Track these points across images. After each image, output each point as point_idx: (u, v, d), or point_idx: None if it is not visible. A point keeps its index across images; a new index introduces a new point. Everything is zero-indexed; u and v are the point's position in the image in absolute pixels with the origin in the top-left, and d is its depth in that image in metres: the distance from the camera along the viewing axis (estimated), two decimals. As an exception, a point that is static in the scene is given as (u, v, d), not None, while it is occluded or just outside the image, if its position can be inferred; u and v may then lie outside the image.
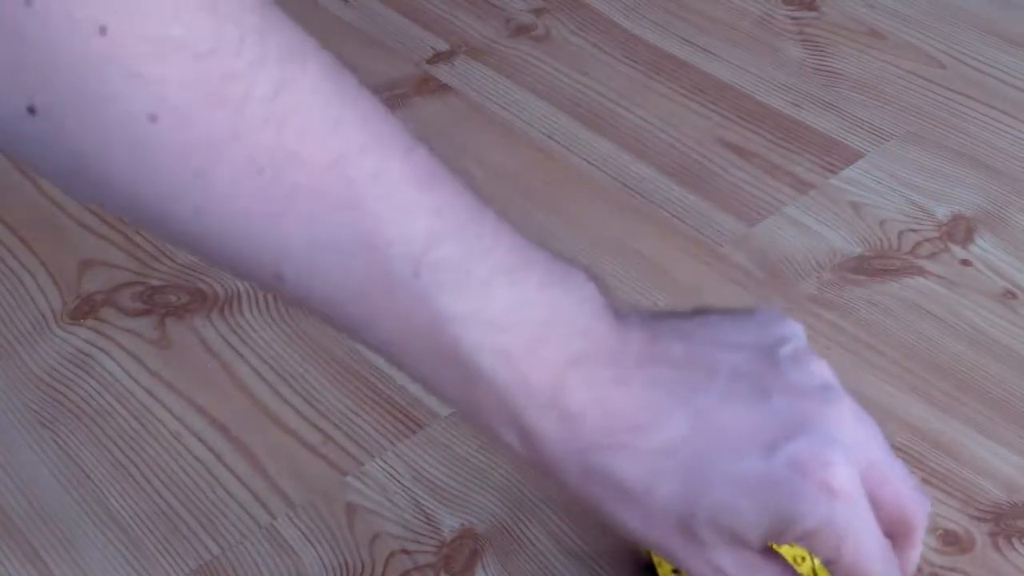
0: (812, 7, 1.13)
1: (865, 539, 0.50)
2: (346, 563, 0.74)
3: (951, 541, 0.73)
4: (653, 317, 0.52)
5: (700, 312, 0.54)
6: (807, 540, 0.49)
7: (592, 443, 0.48)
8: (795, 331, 0.53)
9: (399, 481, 0.78)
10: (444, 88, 1.08)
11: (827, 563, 0.51)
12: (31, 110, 0.44)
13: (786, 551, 0.60)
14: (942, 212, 0.93)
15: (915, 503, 0.53)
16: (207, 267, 0.92)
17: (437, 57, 1.11)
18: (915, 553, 0.53)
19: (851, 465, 0.49)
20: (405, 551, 0.74)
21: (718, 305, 0.86)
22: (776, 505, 0.48)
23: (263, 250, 0.47)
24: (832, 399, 0.50)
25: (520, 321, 0.48)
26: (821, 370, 0.52)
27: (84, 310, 0.90)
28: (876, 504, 0.51)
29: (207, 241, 0.48)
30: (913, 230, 0.92)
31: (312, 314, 0.52)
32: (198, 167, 0.45)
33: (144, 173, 0.45)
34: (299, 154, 0.45)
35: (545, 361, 0.48)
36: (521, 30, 1.14)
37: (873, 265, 0.89)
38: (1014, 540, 0.73)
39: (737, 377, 0.49)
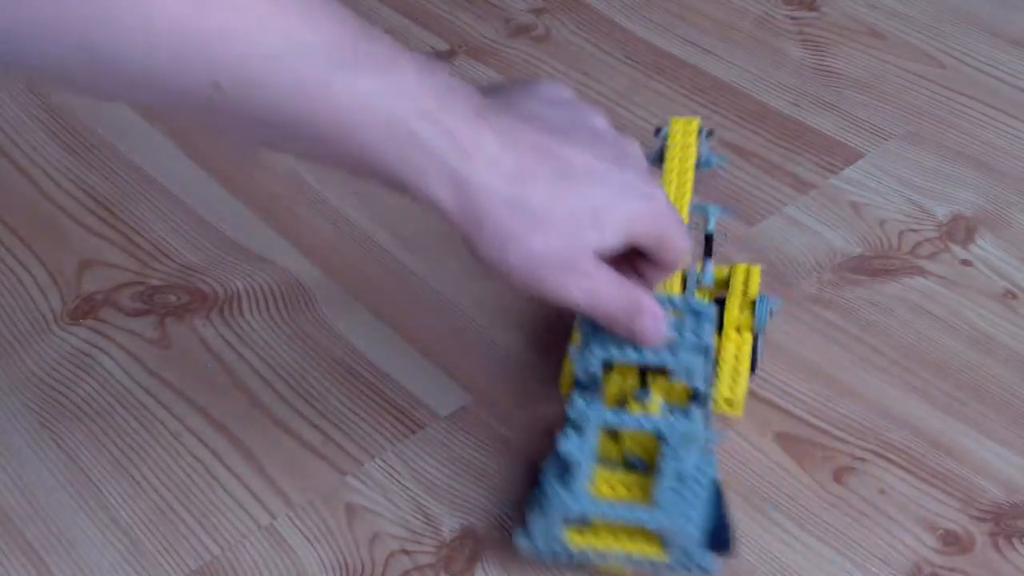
0: (812, 7, 1.13)
1: (680, 226, 0.66)
2: (346, 563, 0.74)
3: (951, 541, 0.73)
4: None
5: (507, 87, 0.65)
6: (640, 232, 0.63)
7: (510, 178, 0.59)
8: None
9: (399, 481, 0.78)
10: (444, 88, 1.08)
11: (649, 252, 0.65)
12: None
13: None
14: (942, 212, 0.93)
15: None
16: (207, 267, 0.93)
17: (437, 57, 1.11)
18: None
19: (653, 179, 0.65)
20: (405, 551, 0.74)
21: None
22: (640, 228, 0.63)
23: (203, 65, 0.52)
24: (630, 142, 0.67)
25: (429, 89, 0.57)
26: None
27: (84, 310, 0.90)
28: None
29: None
30: (913, 230, 0.92)
31: (247, 127, 0.57)
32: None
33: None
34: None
35: (459, 114, 0.58)
36: (521, 30, 1.14)
37: (873, 265, 0.89)
38: (1014, 540, 0.73)
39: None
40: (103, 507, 0.78)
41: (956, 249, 0.90)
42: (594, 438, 0.69)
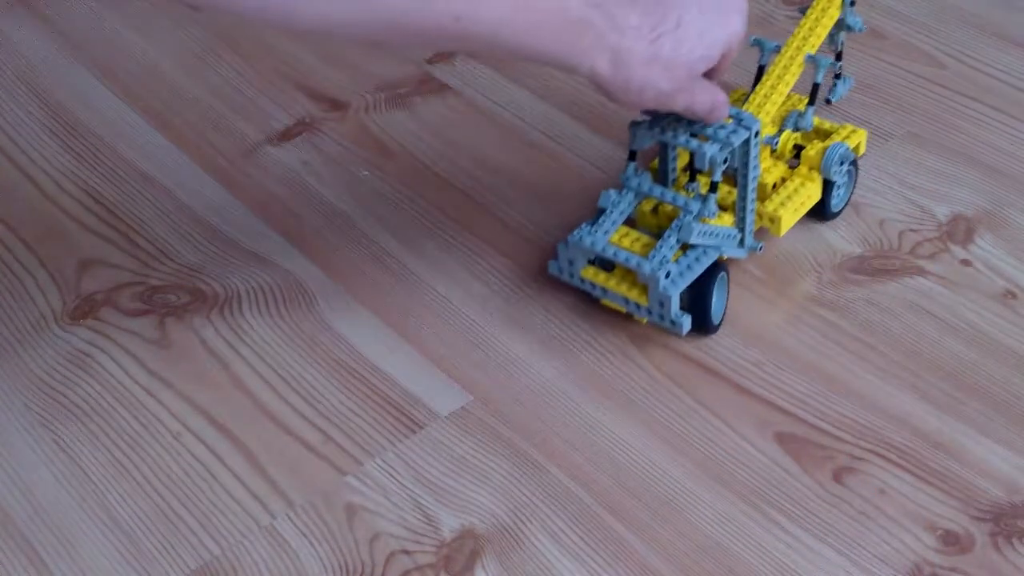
0: (812, 7, 1.13)
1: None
2: (346, 563, 0.74)
3: (951, 541, 0.73)
4: None
5: None
6: (736, 49, 0.81)
7: (648, 40, 0.76)
8: None
9: (399, 481, 0.78)
10: (444, 88, 1.08)
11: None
12: None
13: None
14: (942, 212, 0.93)
15: None
16: (207, 267, 0.93)
17: (437, 57, 1.11)
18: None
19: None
20: (405, 551, 0.74)
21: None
22: (727, 38, 0.79)
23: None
24: None
25: None
26: None
27: (84, 310, 0.90)
28: None
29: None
30: (913, 230, 0.92)
31: (461, 44, 0.79)
32: None
33: None
34: None
35: (617, 3, 0.75)
36: (521, 30, 1.14)
37: (873, 265, 0.89)
38: (1014, 540, 0.73)
39: None
40: (103, 507, 0.78)
41: (956, 249, 0.90)
42: (629, 199, 0.85)
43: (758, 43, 0.92)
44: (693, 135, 0.82)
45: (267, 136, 1.04)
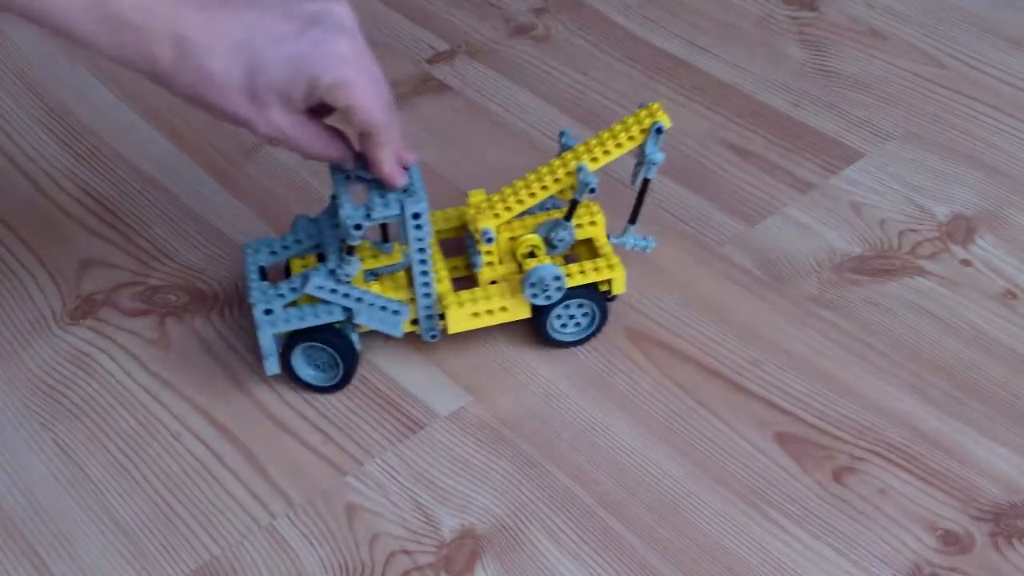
0: (812, 7, 1.13)
1: (368, 90, 0.72)
2: (346, 563, 0.74)
3: (951, 541, 0.73)
4: None
5: None
6: (330, 95, 0.71)
7: (195, 50, 0.70)
8: None
9: (399, 481, 0.78)
10: (444, 88, 1.08)
11: (345, 114, 0.73)
12: None
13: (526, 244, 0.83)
14: (942, 212, 0.93)
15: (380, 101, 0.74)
16: (207, 267, 0.93)
17: (437, 57, 1.11)
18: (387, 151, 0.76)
19: (355, 43, 0.72)
20: (405, 551, 0.74)
21: (718, 303, 0.87)
22: (306, 70, 0.71)
23: None
24: (338, 2, 0.73)
25: None
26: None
27: (84, 310, 0.90)
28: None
29: None
30: (913, 230, 0.92)
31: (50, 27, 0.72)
32: None
33: None
34: None
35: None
36: (521, 30, 1.14)
37: (873, 265, 0.89)
38: (1014, 540, 0.73)
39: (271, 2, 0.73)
40: (103, 507, 0.78)
41: (956, 249, 0.90)
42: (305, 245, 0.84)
43: (562, 134, 0.84)
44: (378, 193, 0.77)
45: (267, 136, 1.04)
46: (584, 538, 0.74)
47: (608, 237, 0.85)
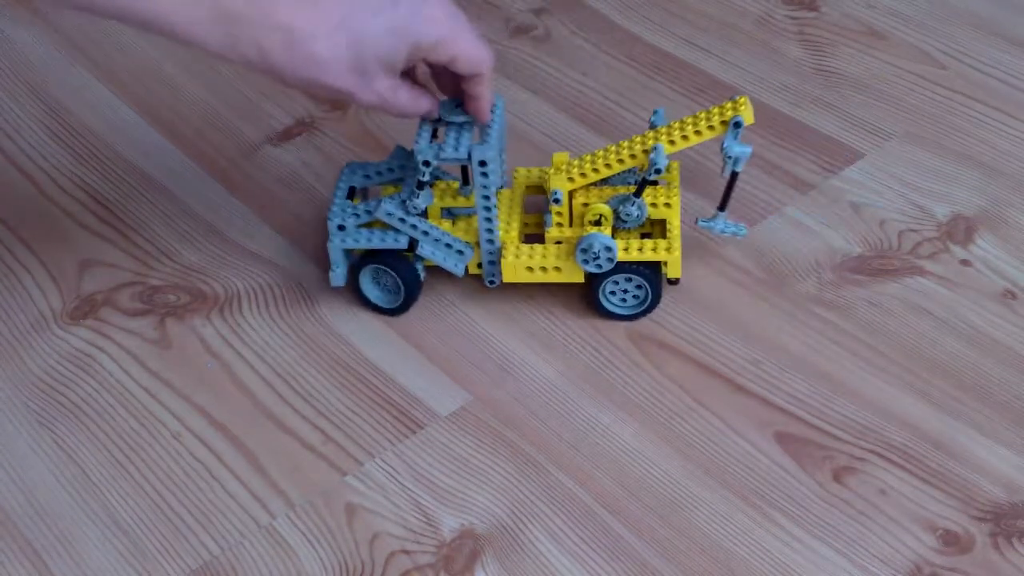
0: (812, 7, 1.13)
1: (466, 39, 0.79)
2: (346, 563, 0.74)
3: (951, 541, 0.73)
4: None
5: None
6: (434, 53, 0.78)
7: (301, 37, 0.74)
8: None
9: (399, 481, 0.78)
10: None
11: (451, 64, 0.79)
12: None
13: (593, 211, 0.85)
14: (942, 212, 0.93)
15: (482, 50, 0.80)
16: (207, 267, 0.93)
17: (437, 57, 1.11)
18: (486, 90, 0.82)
19: (443, 3, 0.79)
20: (405, 551, 0.74)
21: (718, 303, 0.87)
22: (408, 36, 0.77)
23: None
24: None
25: None
26: None
27: (84, 310, 0.90)
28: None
29: None
30: (913, 230, 0.92)
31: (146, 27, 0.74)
32: None
33: None
34: None
35: None
36: (521, 30, 1.14)
37: (873, 265, 0.89)
38: (1014, 540, 0.73)
39: None
40: (103, 507, 0.78)
41: (956, 249, 0.90)
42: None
43: (655, 112, 0.87)
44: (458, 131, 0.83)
45: (267, 136, 1.04)
46: (584, 538, 0.74)
47: (696, 221, 0.87)
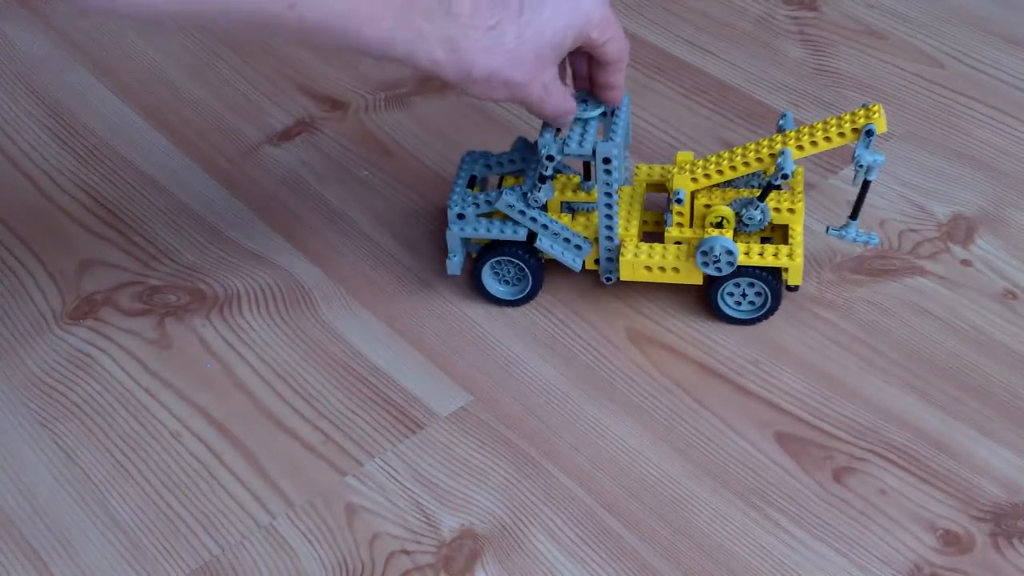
0: (812, 7, 1.13)
1: (617, 24, 0.80)
2: (346, 563, 0.74)
3: (951, 541, 0.73)
4: None
5: None
6: (598, 33, 0.78)
7: (486, 28, 0.75)
8: None
9: (399, 481, 0.78)
10: (444, 88, 1.08)
11: (604, 47, 0.80)
12: None
13: (715, 214, 0.84)
14: (942, 212, 0.93)
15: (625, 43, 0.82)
16: (207, 267, 0.93)
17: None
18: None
19: None
20: (405, 551, 0.74)
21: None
22: (575, 23, 0.77)
23: None
24: None
25: None
26: None
27: (84, 310, 0.90)
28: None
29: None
30: (913, 230, 0.92)
31: (309, 35, 0.73)
32: None
33: None
34: None
35: None
36: (521, 30, 1.14)
37: (873, 265, 0.89)
38: (1014, 540, 0.73)
39: None
40: (103, 507, 0.78)
41: (956, 249, 0.90)
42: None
43: (784, 115, 0.85)
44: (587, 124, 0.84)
45: (267, 136, 1.04)
46: (584, 538, 0.74)
47: (827, 229, 0.85)
